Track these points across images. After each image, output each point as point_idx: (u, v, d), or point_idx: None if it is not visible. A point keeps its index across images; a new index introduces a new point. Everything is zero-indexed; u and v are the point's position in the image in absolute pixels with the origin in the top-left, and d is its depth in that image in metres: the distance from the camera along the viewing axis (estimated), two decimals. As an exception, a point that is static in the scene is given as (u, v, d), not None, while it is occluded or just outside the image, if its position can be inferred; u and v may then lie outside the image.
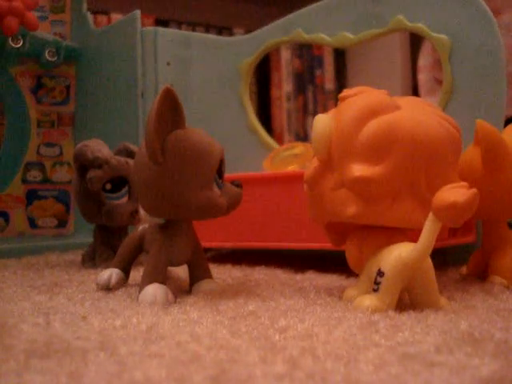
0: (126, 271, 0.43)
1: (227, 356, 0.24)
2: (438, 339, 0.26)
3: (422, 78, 1.29)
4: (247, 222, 0.55)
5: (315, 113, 1.39)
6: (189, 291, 0.40)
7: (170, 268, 0.41)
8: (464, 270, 0.47)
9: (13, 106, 0.76)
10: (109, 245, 0.54)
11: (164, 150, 0.36)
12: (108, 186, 0.53)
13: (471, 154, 0.43)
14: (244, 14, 1.42)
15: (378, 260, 0.34)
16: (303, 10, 0.66)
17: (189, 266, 0.41)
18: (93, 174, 0.51)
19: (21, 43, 0.69)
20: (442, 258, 0.52)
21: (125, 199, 0.54)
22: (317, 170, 0.37)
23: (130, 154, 0.55)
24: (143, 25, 0.71)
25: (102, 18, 1.16)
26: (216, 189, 0.37)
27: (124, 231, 0.55)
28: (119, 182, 0.53)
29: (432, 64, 1.27)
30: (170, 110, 0.36)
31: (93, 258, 0.54)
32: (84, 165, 0.52)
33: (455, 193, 0.31)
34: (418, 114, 0.36)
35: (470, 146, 0.44)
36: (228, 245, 0.58)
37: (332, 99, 1.46)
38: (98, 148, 0.53)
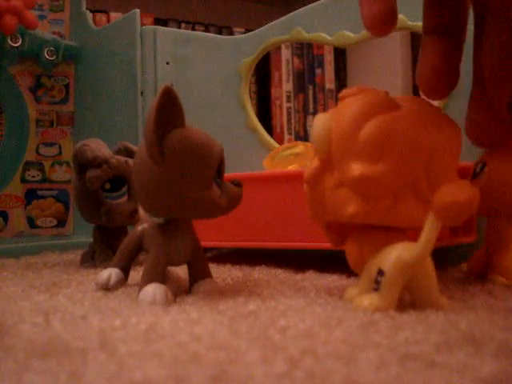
0: (126, 271, 0.43)
1: (227, 356, 0.24)
2: (439, 339, 0.26)
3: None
4: (247, 221, 0.55)
5: (315, 112, 1.39)
6: (188, 291, 0.40)
7: (169, 268, 0.41)
8: (464, 267, 0.47)
9: (12, 105, 0.75)
10: (108, 244, 0.54)
11: (163, 150, 0.35)
12: (107, 186, 0.53)
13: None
14: (244, 13, 1.42)
15: (378, 259, 0.34)
16: (303, 9, 0.66)
17: (188, 266, 0.41)
18: (92, 173, 0.51)
19: (20, 42, 0.69)
20: (443, 257, 0.52)
21: (124, 199, 0.54)
22: (317, 170, 0.37)
23: (129, 153, 0.55)
24: (143, 24, 0.71)
25: (102, 17, 1.16)
26: (216, 188, 0.37)
27: (123, 231, 0.55)
28: (118, 182, 0.53)
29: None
30: (170, 109, 0.36)
31: (92, 258, 0.54)
32: (83, 164, 0.52)
33: (455, 191, 0.31)
34: (419, 113, 0.36)
35: None
36: (228, 245, 0.58)
37: (332, 98, 1.46)
38: (98, 147, 0.52)
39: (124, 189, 0.54)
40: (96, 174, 0.51)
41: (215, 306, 0.35)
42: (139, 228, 0.42)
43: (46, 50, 0.74)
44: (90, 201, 0.53)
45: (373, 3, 0.33)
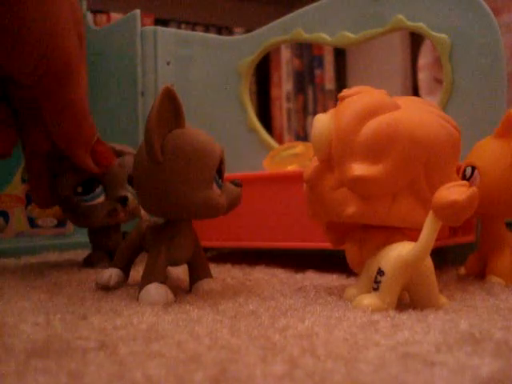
0: (126, 271, 0.43)
1: (227, 355, 0.24)
2: (438, 339, 0.26)
3: (422, 77, 1.29)
4: (247, 221, 0.55)
5: (315, 112, 1.39)
6: (189, 291, 0.40)
7: (169, 268, 0.41)
8: (462, 270, 0.47)
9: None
10: (102, 245, 0.54)
11: (164, 150, 0.35)
12: (79, 189, 0.52)
13: (493, 147, 0.42)
14: (244, 13, 1.42)
15: (377, 259, 0.34)
16: (303, 10, 0.66)
17: (189, 266, 0.41)
18: (59, 180, 0.50)
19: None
20: (442, 257, 0.52)
21: (101, 199, 0.52)
22: (316, 170, 0.37)
23: (114, 153, 0.53)
24: (143, 24, 0.71)
25: (102, 18, 1.16)
26: (216, 188, 0.37)
27: (115, 231, 0.54)
28: (91, 184, 0.51)
29: (432, 63, 1.28)
30: (170, 110, 0.36)
31: (89, 260, 0.54)
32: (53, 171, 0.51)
33: (455, 191, 0.31)
34: (418, 114, 0.36)
35: (488, 139, 0.43)
36: (228, 245, 0.58)
37: (332, 99, 1.46)
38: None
39: (98, 190, 0.52)
40: (64, 181, 0.50)
41: (215, 306, 0.35)
42: (140, 228, 0.42)
43: (47, 50, 0.74)
44: (68, 206, 0.52)
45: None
